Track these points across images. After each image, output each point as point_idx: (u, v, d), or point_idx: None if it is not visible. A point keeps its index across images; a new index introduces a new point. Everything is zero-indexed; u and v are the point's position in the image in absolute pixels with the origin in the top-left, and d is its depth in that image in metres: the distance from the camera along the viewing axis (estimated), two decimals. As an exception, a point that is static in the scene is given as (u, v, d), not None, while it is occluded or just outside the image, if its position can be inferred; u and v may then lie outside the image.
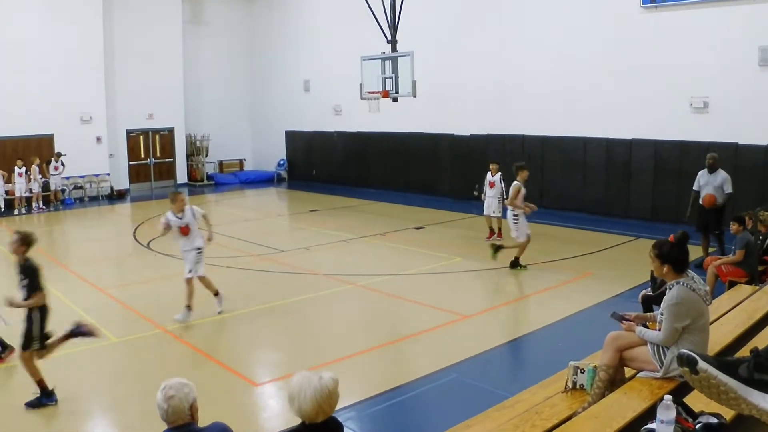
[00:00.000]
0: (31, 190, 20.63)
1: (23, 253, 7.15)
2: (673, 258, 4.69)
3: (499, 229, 14.72)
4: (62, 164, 21.57)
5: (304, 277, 12.09)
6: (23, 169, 20.31)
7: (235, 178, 27.75)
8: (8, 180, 20.54)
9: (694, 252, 9.84)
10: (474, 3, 19.77)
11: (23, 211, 20.38)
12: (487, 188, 14.81)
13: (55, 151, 21.85)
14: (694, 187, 12.27)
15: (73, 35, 22.48)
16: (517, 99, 18.90)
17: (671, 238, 4.80)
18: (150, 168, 26.28)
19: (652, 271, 8.19)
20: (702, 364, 1.95)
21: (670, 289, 4.69)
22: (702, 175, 12.12)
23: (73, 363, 8.00)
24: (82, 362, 8.09)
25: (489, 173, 14.87)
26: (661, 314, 4.70)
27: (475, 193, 20.23)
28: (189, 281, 9.55)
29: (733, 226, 9.72)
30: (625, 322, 5.09)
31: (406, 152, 22.37)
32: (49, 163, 21.34)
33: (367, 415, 6.59)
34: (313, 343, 8.94)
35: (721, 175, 11.91)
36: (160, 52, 25.37)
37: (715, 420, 3.57)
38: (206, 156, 27.50)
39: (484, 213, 14.91)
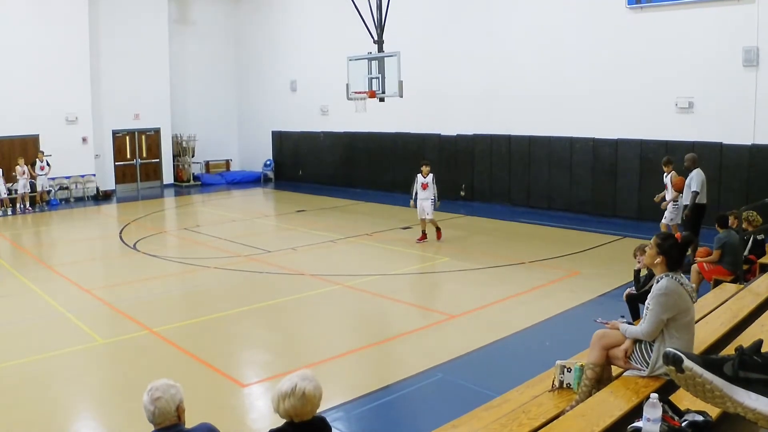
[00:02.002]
0: (9, 191, 20.57)
1: None
2: (671, 255, 4.75)
3: (437, 229, 14.64)
4: (48, 164, 21.43)
5: (290, 277, 12.07)
6: (0, 171, 20.21)
7: (221, 178, 27.65)
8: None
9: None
10: (460, 3, 19.81)
11: (9, 212, 20.23)
12: (419, 191, 14.34)
13: (39, 150, 21.68)
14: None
15: (59, 35, 22.31)
16: (503, 99, 18.95)
17: (678, 235, 4.86)
18: (136, 168, 26.13)
19: (635, 270, 8.29)
20: (687, 363, 1.96)
21: (658, 281, 4.73)
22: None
23: (59, 364, 7.96)
24: (68, 363, 8.03)
25: (420, 175, 14.40)
26: (647, 308, 4.73)
27: (462, 193, 20.31)
28: None
29: (717, 227, 9.79)
30: (608, 322, 5.14)
31: (393, 152, 22.38)
32: (34, 164, 21.21)
33: (354, 416, 6.58)
34: (301, 344, 8.92)
35: (691, 174, 11.95)
36: (146, 52, 25.22)
37: (700, 418, 3.59)
38: (192, 156, 27.38)
39: (420, 217, 14.50)
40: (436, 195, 14.38)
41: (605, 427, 3.97)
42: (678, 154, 14.38)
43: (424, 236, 14.63)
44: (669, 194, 12.47)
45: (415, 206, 14.47)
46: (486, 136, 19.56)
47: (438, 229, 14.65)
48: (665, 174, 12.67)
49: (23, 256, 14.84)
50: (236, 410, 6.86)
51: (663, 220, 12.54)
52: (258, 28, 27.79)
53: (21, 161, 20.72)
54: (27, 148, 21.94)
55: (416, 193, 14.41)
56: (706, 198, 12.02)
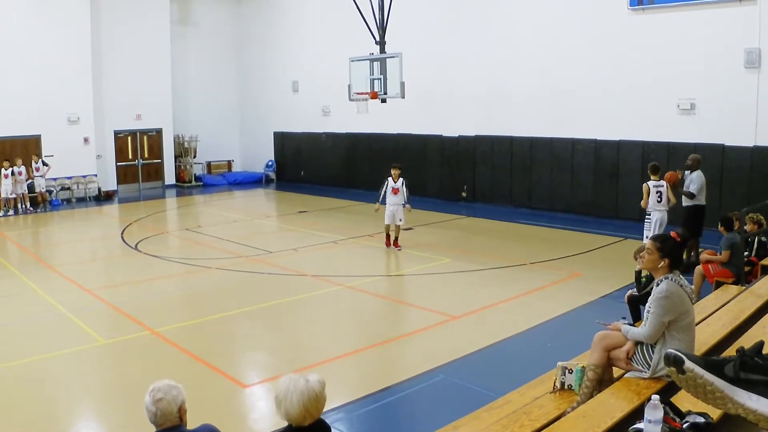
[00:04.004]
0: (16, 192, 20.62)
1: None
2: (675, 255, 4.76)
3: (396, 239, 14.06)
4: (44, 164, 21.38)
5: (292, 278, 12.07)
6: (9, 171, 20.22)
7: (223, 179, 27.66)
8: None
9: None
10: (462, 4, 19.82)
11: (11, 212, 20.25)
12: (389, 196, 13.74)
13: (34, 154, 21.64)
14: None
15: (61, 35, 22.34)
16: (505, 100, 18.95)
17: (674, 234, 4.85)
18: (138, 169, 26.14)
19: (636, 272, 8.28)
20: (688, 364, 1.97)
21: (658, 284, 4.73)
22: (687, 175, 12.07)
23: (60, 364, 7.96)
24: (70, 364, 8.04)
25: (390, 179, 13.83)
26: (648, 311, 4.73)
27: (464, 195, 20.31)
28: None
29: (720, 228, 9.78)
30: (609, 324, 5.14)
31: (395, 153, 22.31)
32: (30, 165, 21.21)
33: (356, 417, 6.58)
34: (302, 345, 8.93)
35: (691, 176, 11.84)
36: (148, 52, 25.25)
37: (702, 419, 3.59)
38: (194, 157, 27.39)
39: (387, 221, 13.83)
40: (407, 198, 13.83)
41: (606, 428, 3.97)
42: (680, 156, 14.41)
43: (389, 241, 14.13)
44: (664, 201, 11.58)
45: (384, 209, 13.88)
46: (488, 137, 19.56)
47: (396, 238, 14.09)
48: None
49: (25, 256, 14.85)
50: (238, 411, 6.86)
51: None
52: (260, 29, 27.81)
53: (18, 162, 20.70)
54: (29, 149, 21.96)
55: (383, 197, 13.83)
56: (705, 200, 11.98)
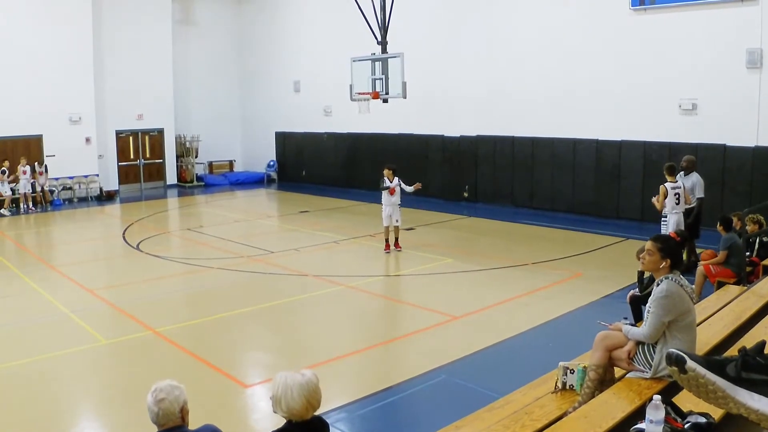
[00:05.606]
0: (12, 191, 20.64)
1: None
2: (676, 254, 4.76)
3: (396, 239, 13.94)
4: (45, 169, 21.53)
5: (294, 278, 12.07)
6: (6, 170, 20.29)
7: (224, 179, 27.67)
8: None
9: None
10: (464, 4, 19.82)
11: (12, 212, 20.27)
12: (385, 196, 13.61)
13: (36, 161, 21.71)
14: None
15: (63, 35, 22.36)
16: (506, 100, 18.94)
17: (673, 234, 4.85)
18: (139, 169, 26.16)
19: (639, 272, 8.27)
20: (690, 363, 1.97)
21: (658, 284, 4.73)
22: (679, 178, 11.91)
23: (62, 364, 7.97)
24: (72, 364, 8.05)
25: (386, 179, 13.69)
26: (648, 310, 4.73)
27: (465, 195, 20.31)
28: None
29: (719, 228, 9.78)
30: (611, 324, 5.14)
31: (397, 153, 22.31)
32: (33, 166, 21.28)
33: (357, 417, 6.58)
34: (303, 345, 8.93)
35: (692, 178, 11.81)
36: (149, 52, 25.27)
37: (703, 419, 3.59)
38: (196, 157, 27.41)
39: (385, 223, 13.64)
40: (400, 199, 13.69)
41: (608, 428, 3.97)
42: (681, 156, 14.34)
43: (388, 246, 13.87)
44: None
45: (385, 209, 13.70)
46: (489, 137, 19.56)
47: (397, 239, 13.93)
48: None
49: (27, 256, 14.86)
50: (239, 411, 6.86)
51: None
52: (261, 29, 27.83)
53: (23, 161, 20.78)
54: (30, 149, 21.99)
55: (384, 201, 13.69)
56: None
